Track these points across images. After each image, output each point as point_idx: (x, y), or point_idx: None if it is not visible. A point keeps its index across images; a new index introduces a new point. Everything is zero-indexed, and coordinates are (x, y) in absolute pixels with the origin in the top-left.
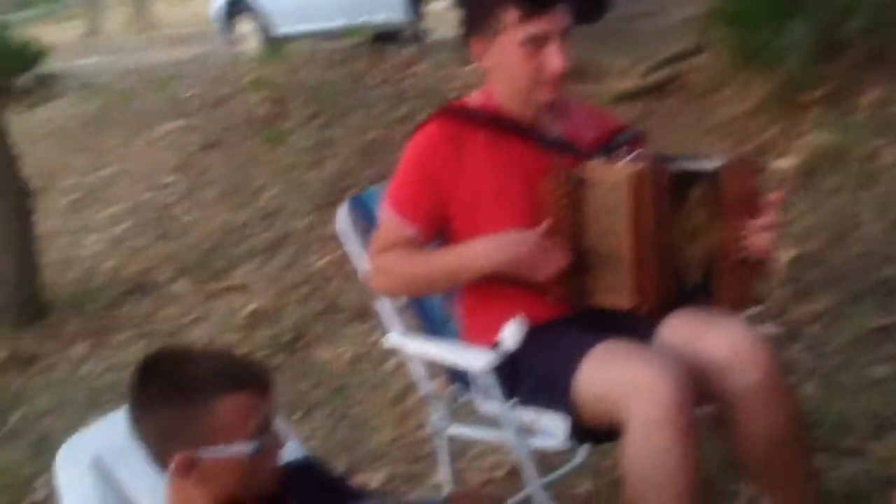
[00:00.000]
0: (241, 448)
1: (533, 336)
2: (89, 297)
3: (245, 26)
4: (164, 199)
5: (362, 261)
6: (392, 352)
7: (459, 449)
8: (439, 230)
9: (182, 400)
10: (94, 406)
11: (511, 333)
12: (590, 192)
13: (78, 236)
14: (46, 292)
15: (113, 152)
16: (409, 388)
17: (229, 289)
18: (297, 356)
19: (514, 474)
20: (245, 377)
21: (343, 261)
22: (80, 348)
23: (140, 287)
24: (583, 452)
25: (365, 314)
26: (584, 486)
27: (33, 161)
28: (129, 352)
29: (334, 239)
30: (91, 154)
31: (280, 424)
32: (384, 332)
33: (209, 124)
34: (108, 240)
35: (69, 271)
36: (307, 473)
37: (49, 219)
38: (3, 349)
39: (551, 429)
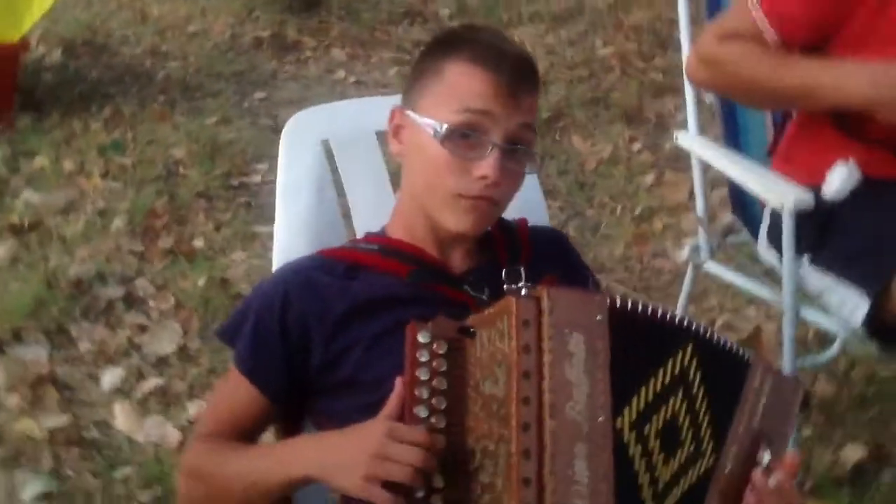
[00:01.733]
0: (431, 123)
1: (866, 190)
2: (364, 8)
3: None
4: None
5: (687, 38)
6: (651, 165)
7: (697, 294)
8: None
9: (424, 52)
10: None
11: (840, 178)
12: None
13: None
14: None
15: None
16: (660, 210)
17: None
18: (550, 137)
19: (748, 344)
20: (494, 58)
21: (630, 54)
22: (338, 53)
23: (416, 13)
24: (838, 345)
25: (635, 118)
26: (821, 386)
27: None
28: (384, 73)
29: (634, 29)
30: None
31: (520, 162)
32: (654, 139)
33: None
34: None
35: None
36: (551, 242)
37: None
38: (266, 28)
39: (843, 308)
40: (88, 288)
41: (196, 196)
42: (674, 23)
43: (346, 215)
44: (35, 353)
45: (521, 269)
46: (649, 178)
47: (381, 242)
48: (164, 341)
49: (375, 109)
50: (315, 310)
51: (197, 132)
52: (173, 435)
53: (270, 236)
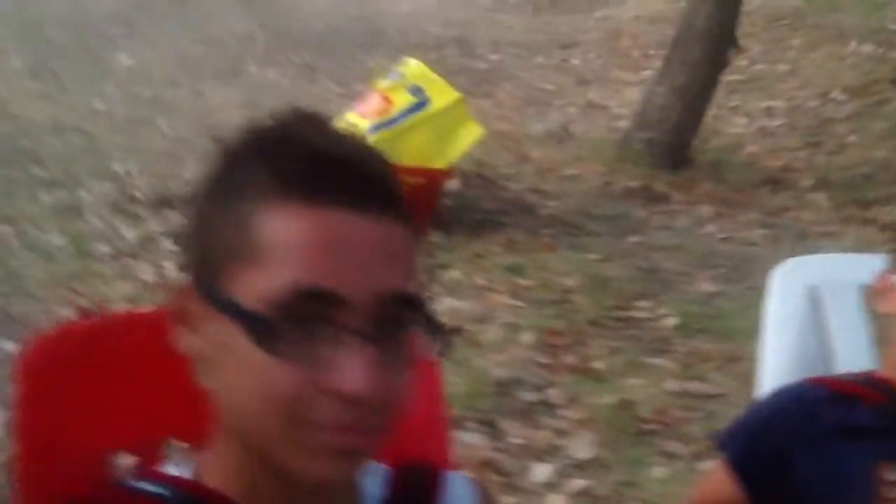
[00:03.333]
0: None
1: None
2: (726, 170)
3: None
4: (828, 113)
5: None
6: None
7: None
8: None
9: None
10: (703, 262)
11: None
12: None
13: (728, 113)
14: (691, 149)
15: (792, 50)
16: None
17: (867, 220)
18: None
19: None
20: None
21: None
22: (705, 209)
23: (775, 181)
24: None
25: None
26: None
27: None
28: (750, 233)
29: None
30: (770, 45)
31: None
32: None
33: None
34: (756, 128)
35: (714, 141)
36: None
37: None
38: (636, 179)
39: None
40: (508, 390)
41: (588, 323)
42: None
43: (825, 356)
44: (474, 440)
45: None
46: None
47: (868, 379)
48: (581, 448)
49: (860, 264)
50: (803, 427)
51: (582, 266)
52: None
53: (659, 367)
